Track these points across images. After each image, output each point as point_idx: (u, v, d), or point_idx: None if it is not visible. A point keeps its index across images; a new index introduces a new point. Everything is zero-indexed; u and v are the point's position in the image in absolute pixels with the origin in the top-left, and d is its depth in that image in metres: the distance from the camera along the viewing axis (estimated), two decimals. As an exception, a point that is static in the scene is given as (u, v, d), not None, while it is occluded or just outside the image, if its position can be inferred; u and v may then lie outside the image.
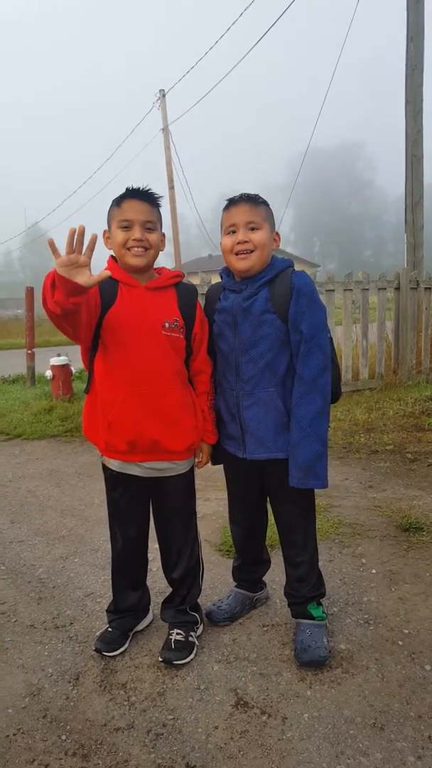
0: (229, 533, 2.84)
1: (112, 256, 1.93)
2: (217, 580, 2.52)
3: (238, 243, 1.83)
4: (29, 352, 7.75)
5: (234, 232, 1.85)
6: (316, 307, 1.83)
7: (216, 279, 2.18)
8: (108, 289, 1.87)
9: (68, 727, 1.72)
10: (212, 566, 2.63)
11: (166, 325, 1.86)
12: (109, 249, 1.92)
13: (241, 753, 1.60)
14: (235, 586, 2.27)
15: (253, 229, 1.84)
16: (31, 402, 6.46)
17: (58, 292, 1.52)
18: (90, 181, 21.48)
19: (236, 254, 1.85)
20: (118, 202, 1.85)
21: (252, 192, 1.90)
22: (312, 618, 2.02)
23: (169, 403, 1.88)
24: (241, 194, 1.87)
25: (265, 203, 1.88)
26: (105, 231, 1.90)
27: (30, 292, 7.85)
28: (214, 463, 2.15)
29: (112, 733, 1.69)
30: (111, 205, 1.88)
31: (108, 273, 1.71)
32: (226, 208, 1.89)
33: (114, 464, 1.96)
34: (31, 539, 3.07)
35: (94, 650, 2.03)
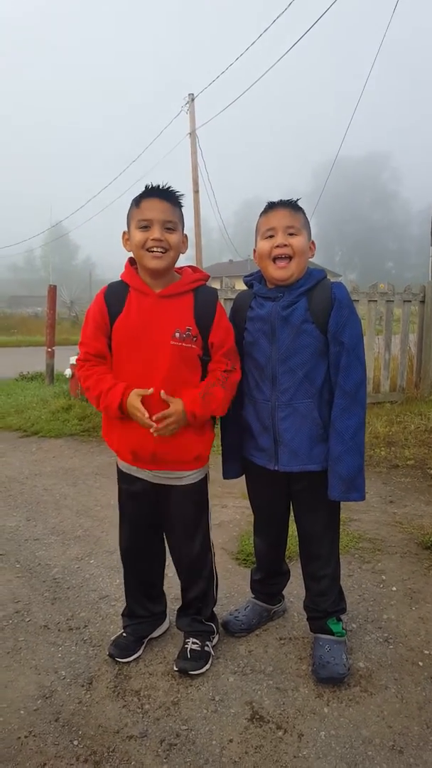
0: (247, 542, 2.82)
1: (130, 258, 1.90)
2: (234, 589, 2.48)
3: (277, 246, 1.80)
4: (49, 350, 7.79)
5: (272, 236, 1.82)
6: (356, 319, 1.81)
7: (239, 284, 2.14)
8: (116, 297, 1.84)
9: (80, 732, 1.70)
10: (229, 575, 2.60)
11: (177, 335, 1.79)
12: (129, 251, 1.86)
13: (256, 769, 1.57)
14: (253, 598, 2.23)
15: (292, 234, 1.80)
16: (49, 400, 6.49)
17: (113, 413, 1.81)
18: (115, 182, 21.68)
19: (274, 260, 1.81)
20: (137, 201, 1.78)
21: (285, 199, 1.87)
22: (331, 634, 1.98)
23: None
24: (281, 199, 1.85)
25: (303, 211, 1.85)
26: (124, 232, 1.86)
27: (52, 290, 7.90)
28: (234, 476, 2.09)
29: (124, 741, 1.67)
30: (130, 206, 1.82)
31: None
32: (265, 212, 1.86)
33: (124, 466, 1.97)
34: (46, 538, 3.06)
35: (108, 655, 2.01)
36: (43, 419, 5.73)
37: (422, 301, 6.23)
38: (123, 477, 2.00)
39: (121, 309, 1.82)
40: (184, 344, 1.80)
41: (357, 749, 1.63)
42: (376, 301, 5.95)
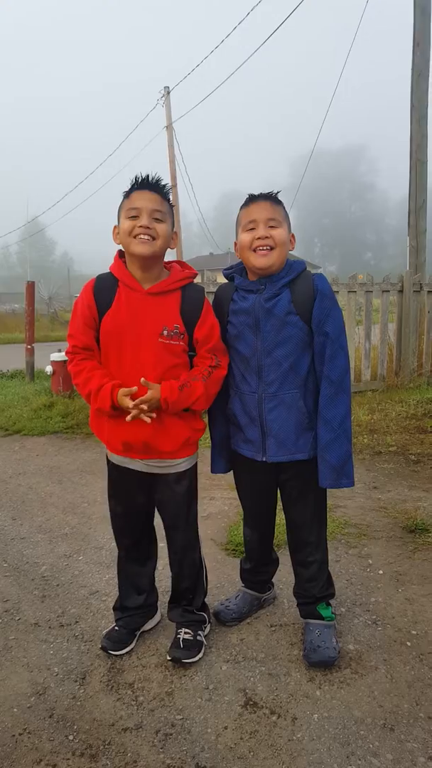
0: (235, 532, 2.83)
1: (119, 251, 1.91)
2: (224, 579, 2.50)
3: (258, 238, 1.81)
4: (29, 347, 7.70)
5: (253, 228, 1.83)
6: (338, 309, 1.84)
7: (220, 278, 2.15)
8: (105, 291, 1.85)
9: (75, 727, 1.70)
10: (218, 565, 2.61)
11: (165, 332, 1.81)
12: (118, 244, 1.88)
13: (252, 753, 1.59)
14: (243, 587, 2.25)
15: (272, 226, 1.82)
16: (30, 397, 6.42)
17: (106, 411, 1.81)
18: (91, 177, 21.48)
19: (255, 250, 1.82)
20: (127, 193, 1.82)
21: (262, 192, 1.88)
22: (321, 618, 2.00)
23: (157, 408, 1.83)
24: (261, 192, 1.86)
25: (283, 204, 1.86)
26: (115, 227, 1.87)
27: (30, 286, 7.80)
28: (222, 471, 2.11)
29: (120, 733, 1.67)
30: (122, 199, 1.85)
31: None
32: (245, 204, 1.87)
33: (115, 458, 1.97)
34: (33, 536, 3.04)
35: (101, 648, 2.01)
36: (25, 417, 5.67)
37: (400, 291, 6.31)
38: (114, 469, 2.00)
39: (109, 304, 1.83)
40: (171, 342, 1.82)
41: (350, 729, 1.66)
42: (355, 292, 6.01)
